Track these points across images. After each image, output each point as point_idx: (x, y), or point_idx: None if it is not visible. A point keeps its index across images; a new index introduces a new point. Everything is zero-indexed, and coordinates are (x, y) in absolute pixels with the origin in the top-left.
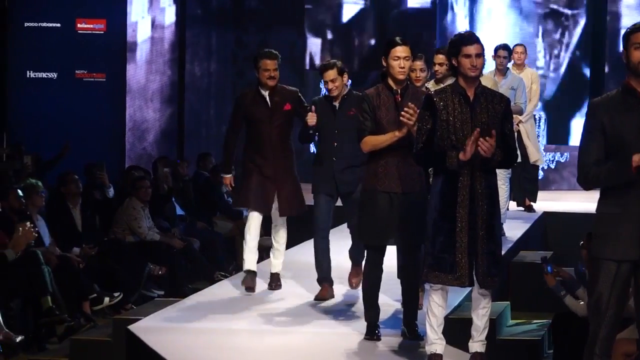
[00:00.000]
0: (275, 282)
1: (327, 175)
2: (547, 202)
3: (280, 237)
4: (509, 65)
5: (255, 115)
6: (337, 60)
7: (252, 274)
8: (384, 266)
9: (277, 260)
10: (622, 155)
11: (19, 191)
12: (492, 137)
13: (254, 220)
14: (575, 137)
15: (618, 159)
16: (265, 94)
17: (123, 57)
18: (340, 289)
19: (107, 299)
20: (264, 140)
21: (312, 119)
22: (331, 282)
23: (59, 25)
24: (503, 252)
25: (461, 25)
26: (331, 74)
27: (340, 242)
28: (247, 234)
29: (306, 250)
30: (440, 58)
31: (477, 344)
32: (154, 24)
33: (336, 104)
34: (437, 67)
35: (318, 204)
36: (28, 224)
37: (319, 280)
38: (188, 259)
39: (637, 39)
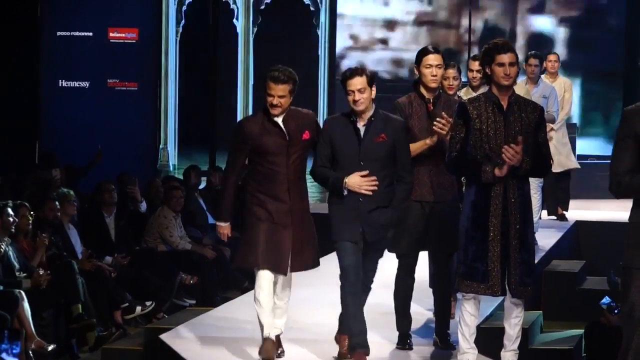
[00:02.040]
0: (278, 346)
1: (351, 218)
2: (580, 210)
3: (285, 295)
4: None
5: (267, 147)
6: (365, 67)
7: (270, 343)
8: (416, 275)
9: (280, 320)
10: None
11: (57, 203)
12: (518, 145)
13: (266, 279)
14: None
15: None
16: (279, 120)
17: (156, 66)
18: (372, 296)
19: (139, 308)
20: (279, 178)
21: None
22: (367, 349)
23: (91, 34)
24: (535, 261)
25: None
26: (358, 82)
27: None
28: (260, 294)
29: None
30: (476, 65)
31: (509, 354)
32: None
33: (361, 126)
34: (474, 74)
35: (345, 253)
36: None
37: (351, 348)
38: (219, 268)
39: None
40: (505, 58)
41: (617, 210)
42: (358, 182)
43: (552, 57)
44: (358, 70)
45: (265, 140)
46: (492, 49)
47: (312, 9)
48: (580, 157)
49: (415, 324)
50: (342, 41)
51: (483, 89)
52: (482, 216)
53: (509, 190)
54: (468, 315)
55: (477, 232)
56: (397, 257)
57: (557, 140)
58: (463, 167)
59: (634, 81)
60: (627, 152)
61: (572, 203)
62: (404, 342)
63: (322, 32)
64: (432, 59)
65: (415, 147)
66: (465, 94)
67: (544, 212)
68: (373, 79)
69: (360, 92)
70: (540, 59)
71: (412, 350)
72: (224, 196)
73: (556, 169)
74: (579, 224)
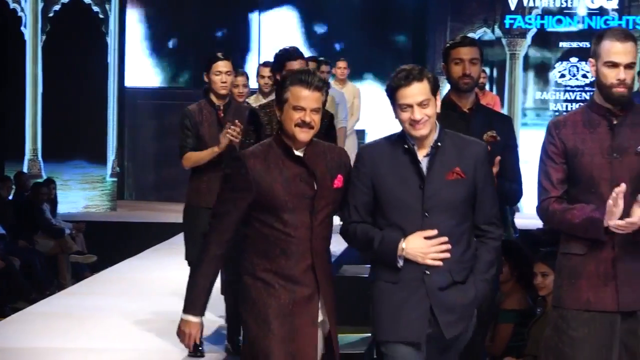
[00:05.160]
0: None
1: (412, 304)
2: None
3: None
4: (331, 80)
5: (284, 199)
6: (424, 68)
7: None
8: None
9: None
10: None
11: None
12: None
13: None
14: None
15: None
16: (300, 152)
17: None
18: (164, 304)
19: None
20: (299, 248)
21: None
22: None
23: None
24: None
25: None
26: (418, 90)
27: (170, 258)
28: None
29: (129, 264)
30: (267, 71)
31: None
32: None
33: (422, 157)
34: (265, 80)
35: None
36: None
37: None
38: (8, 278)
39: (457, 54)
40: (295, 65)
41: None
42: (422, 247)
43: (341, 64)
44: (415, 73)
45: (279, 188)
46: (282, 55)
47: (101, 16)
48: None
49: (207, 331)
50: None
51: (273, 96)
52: None
53: None
54: None
55: None
56: (189, 264)
57: (347, 148)
58: None
59: None
60: None
61: None
62: (195, 349)
63: (112, 40)
64: (222, 65)
65: (204, 155)
66: (255, 101)
67: (336, 218)
68: (437, 84)
69: (424, 107)
70: (330, 66)
71: (204, 357)
72: (200, 280)
73: None
74: None
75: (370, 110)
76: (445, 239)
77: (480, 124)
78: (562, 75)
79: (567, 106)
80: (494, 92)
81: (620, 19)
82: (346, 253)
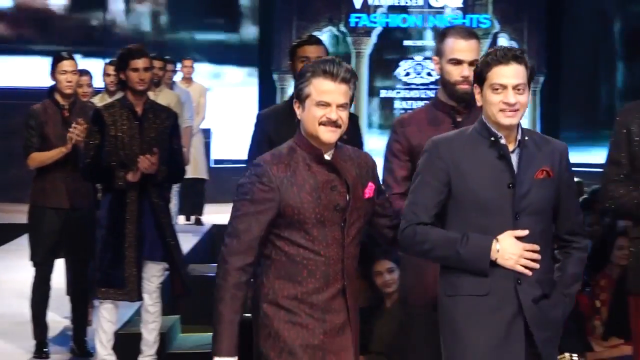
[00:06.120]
0: None
1: (504, 323)
2: (216, 214)
3: None
4: (176, 78)
5: (310, 210)
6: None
7: None
8: (52, 282)
9: None
10: None
11: None
12: (154, 155)
13: None
14: None
15: None
16: (328, 156)
17: None
18: (9, 306)
19: None
20: (329, 270)
21: None
22: None
23: None
24: None
25: None
26: (515, 72)
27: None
28: None
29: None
30: (112, 69)
31: (147, 359)
32: None
33: (511, 151)
34: (111, 78)
35: None
36: None
37: None
38: None
39: (303, 52)
40: (140, 63)
41: None
42: (515, 249)
43: (187, 63)
44: (516, 54)
45: (308, 197)
46: (126, 54)
47: None
48: (217, 162)
49: (52, 332)
50: None
51: (119, 95)
52: (118, 223)
53: (145, 197)
54: (105, 321)
55: (113, 238)
56: (34, 265)
57: (194, 147)
58: (97, 173)
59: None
60: (261, 152)
61: (208, 207)
62: (40, 351)
63: None
64: (67, 65)
65: (51, 155)
66: (100, 100)
67: (182, 217)
68: (534, 75)
69: (519, 92)
70: (175, 64)
71: (49, 358)
72: (227, 315)
73: (191, 174)
74: (215, 227)
75: (215, 110)
76: (537, 247)
77: None
78: (407, 74)
79: (412, 104)
80: None
81: (464, 17)
82: (193, 252)
